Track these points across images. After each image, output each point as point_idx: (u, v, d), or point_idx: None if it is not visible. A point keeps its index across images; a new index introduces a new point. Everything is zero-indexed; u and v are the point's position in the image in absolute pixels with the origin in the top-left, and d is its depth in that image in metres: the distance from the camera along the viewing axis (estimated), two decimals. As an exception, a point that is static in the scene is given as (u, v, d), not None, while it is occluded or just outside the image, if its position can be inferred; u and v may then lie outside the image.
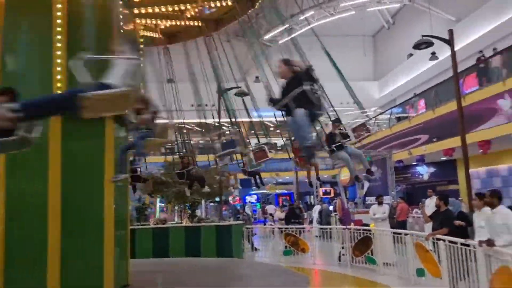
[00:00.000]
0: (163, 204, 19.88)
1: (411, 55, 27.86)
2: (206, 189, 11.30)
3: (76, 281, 5.71)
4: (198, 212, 14.33)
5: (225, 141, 8.65)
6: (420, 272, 7.87)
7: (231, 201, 31.16)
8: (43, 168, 5.68)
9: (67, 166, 5.68)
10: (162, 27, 8.27)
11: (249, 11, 8.76)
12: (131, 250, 7.40)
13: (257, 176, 10.87)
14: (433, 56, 21.61)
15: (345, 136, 6.95)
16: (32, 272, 5.65)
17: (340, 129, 7.06)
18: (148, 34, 8.70)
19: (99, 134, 6.01)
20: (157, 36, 8.55)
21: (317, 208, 19.10)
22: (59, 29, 5.82)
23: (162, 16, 7.91)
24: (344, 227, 11.09)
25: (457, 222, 7.70)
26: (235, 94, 12.80)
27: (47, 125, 5.83)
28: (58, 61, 5.74)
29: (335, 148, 6.81)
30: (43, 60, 5.81)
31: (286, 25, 23.84)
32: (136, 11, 7.47)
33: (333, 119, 7.36)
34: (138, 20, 7.93)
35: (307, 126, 4.34)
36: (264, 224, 21.74)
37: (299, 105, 4.23)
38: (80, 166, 5.96)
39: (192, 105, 13.13)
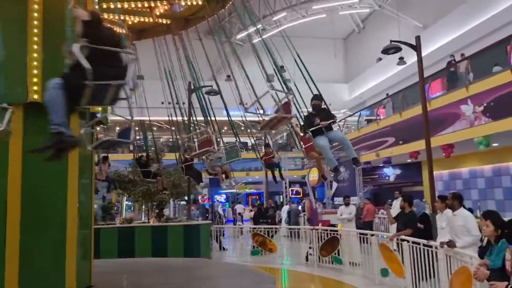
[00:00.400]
0: (130, 203, 19.54)
1: (380, 59, 28.50)
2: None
3: (36, 282, 5.50)
4: (166, 212, 14.11)
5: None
6: (384, 272, 8.03)
7: (200, 200, 30.95)
8: (2, 163, 5.44)
9: (28, 162, 5.46)
10: (130, 23, 8.09)
11: (220, 11, 8.71)
12: (95, 250, 7.19)
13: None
14: (401, 61, 22.20)
15: (328, 116, 5.80)
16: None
17: (323, 108, 6.05)
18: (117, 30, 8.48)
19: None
20: (125, 32, 8.36)
21: (285, 208, 19.23)
22: (36, 22, 5.61)
23: (131, 12, 7.75)
24: (312, 227, 11.20)
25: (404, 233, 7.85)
26: (206, 93, 12.70)
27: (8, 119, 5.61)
28: (35, 55, 5.53)
29: (311, 133, 5.72)
30: (19, 52, 5.56)
31: (258, 26, 23.92)
32: (104, 5, 7.28)
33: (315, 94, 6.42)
34: (106, 15, 7.73)
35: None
36: (234, 224, 21.71)
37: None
38: (43, 162, 5.74)
39: (162, 103, 12.96)
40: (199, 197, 30.30)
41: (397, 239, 7.47)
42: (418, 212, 9.46)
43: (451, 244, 5.70)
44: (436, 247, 6.19)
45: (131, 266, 9.03)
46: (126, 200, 17.97)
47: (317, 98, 6.21)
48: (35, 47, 5.58)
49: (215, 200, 33.51)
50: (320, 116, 5.75)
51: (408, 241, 7.08)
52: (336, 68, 36.28)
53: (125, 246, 10.71)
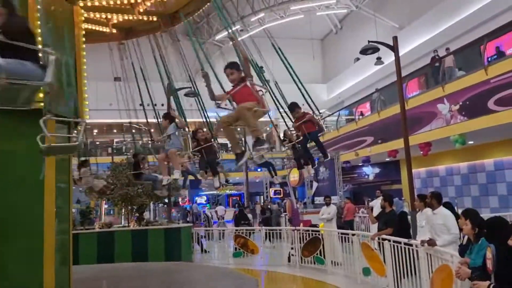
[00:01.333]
0: (107, 207, 19.19)
1: (358, 59, 28.83)
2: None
3: (12, 291, 5.32)
4: (146, 215, 13.90)
5: None
6: (366, 271, 8.10)
7: (180, 202, 30.65)
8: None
9: (2, 165, 5.29)
10: (115, 21, 7.87)
11: (196, 12, 8.62)
12: (74, 255, 7.02)
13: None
14: (379, 61, 22.51)
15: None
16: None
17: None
18: (98, 28, 8.23)
19: (38, 133, 5.64)
20: (107, 30, 8.13)
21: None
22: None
23: (111, 10, 7.55)
24: (293, 227, 11.21)
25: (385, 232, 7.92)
26: (185, 95, 12.57)
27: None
28: None
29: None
30: None
31: (237, 26, 23.85)
32: (88, 3, 7.09)
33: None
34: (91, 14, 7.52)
35: None
36: (218, 226, 21.51)
37: None
38: (18, 166, 5.57)
39: (141, 105, 12.74)
40: (180, 199, 30.00)
41: (378, 238, 7.54)
42: (397, 210, 9.58)
43: (431, 242, 5.77)
44: (416, 246, 6.27)
45: (110, 271, 8.87)
46: (105, 204, 17.66)
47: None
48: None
49: (195, 201, 33.27)
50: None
51: (389, 240, 7.15)
52: (315, 68, 36.53)
53: (104, 251, 10.52)
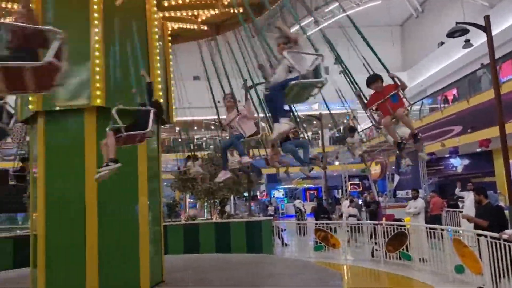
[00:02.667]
0: (191, 200, 20.09)
1: (442, 43, 27.02)
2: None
3: (113, 279, 5.78)
4: (227, 208, 14.34)
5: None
6: (459, 269, 7.60)
7: (259, 196, 31.18)
8: (80, 168, 5.76)
9: (102, 164, 5.75)
10: (203, 17, 8.12)
11: (275, 4, 8.58)
12: (164, 246, 7.44)
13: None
14: (467, 43, 20.78)
15: None
16: (71, 271, 5.76)
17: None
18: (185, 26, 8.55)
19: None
20: (196, 27, 8.40)
21: (346, 203, 18.80)
22: (96, 22, 5.90)
23: (197, 7, 7.77)
24: (376, 222, 10.86)
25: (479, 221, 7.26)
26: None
27: (83, 126, 5.93)
28: (97, 61, 5.82)
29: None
30: (81, 53, 5.88)
31: (311, 19, 23.51)
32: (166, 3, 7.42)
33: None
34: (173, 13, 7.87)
35: None
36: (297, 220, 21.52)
37: None
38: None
39: (219, 102, 13.08)
40: (258, 193, 30.53)
41: (475, 234, 7.03)
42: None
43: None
44: (517, 243, 5.75)
45: (197, 262, 9.26)
46: (189, 198, 18.52)
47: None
48: (97, 53, 5.83)
49: (273, 195, 33.62)
50: None
51: (485, 236, 6.63)
52: (394, 56, 34.85)
53: (190, 242, 11.02)
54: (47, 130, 6.03)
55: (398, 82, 5.13)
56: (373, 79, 5.28)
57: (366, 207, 16.65)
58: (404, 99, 5.17)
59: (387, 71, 5.40)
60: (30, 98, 5.92)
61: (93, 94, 5.78)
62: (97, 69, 5.80)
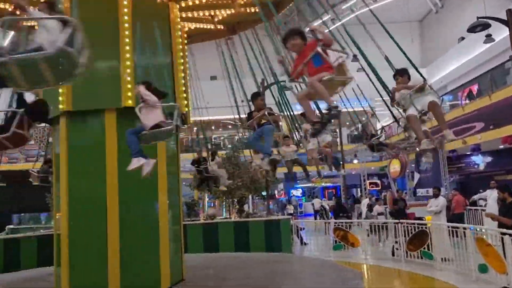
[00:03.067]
0: (210, 200, 20.20)
1: (462, 38, 26.47)
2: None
3: (134, 277, 5.86)
4: (245, 207, 14.37)
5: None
6: (482, 268, 7.43)
7: (276, 195, 31.17)
8: (101, 167, 5.86)
9: (123, 165, 5.83)
10: (220, 17, 8.15)
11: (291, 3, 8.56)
12: (184, 245, 7.51)
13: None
14: (489, 38, 20.29)
15: None
16: (94, 269, 5.86)
17: None
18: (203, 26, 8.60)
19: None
20: (213, 27, 8.45)
21: (365, 201, 18.62)
22: (126, 25, 6.00)
23: (214, 6, 7.82)
24: (396, 221, 10.71)
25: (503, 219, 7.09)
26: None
27: (104, 126, 6.03)
28: (127, 63, 5.92)
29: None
30: (111, 56, 5.99)
31: (328, 16, 23.33)
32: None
33: None
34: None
35: None
36: (315, 219, 21.44)
37: None
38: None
39: (241, 102, 13.10)
40: (275, 192, 30.52)
41: (498, 233, 6.88)
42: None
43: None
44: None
45: (216, 261, 9.31)
46: (207, 197, 18.62)
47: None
48: (127, 55, 5.93)
49: (292, 194, 33.54)
50: None
51: (510, 235, 6.48)
52: (413, 52, 34.27)
53: (209, 241, 11.08)
54: (70, 131, 6.15)
55: (320, 36, 3.93)
56: (290, 34, 4.09)
57: (393, 204, 16.28)
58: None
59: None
60: (60, 98, 6.03)
61: (125, 96, 5.89)
62: (128, 70, 5.90)
